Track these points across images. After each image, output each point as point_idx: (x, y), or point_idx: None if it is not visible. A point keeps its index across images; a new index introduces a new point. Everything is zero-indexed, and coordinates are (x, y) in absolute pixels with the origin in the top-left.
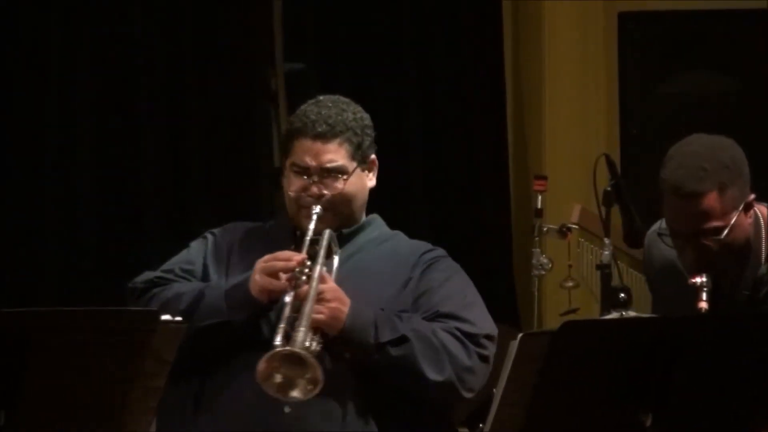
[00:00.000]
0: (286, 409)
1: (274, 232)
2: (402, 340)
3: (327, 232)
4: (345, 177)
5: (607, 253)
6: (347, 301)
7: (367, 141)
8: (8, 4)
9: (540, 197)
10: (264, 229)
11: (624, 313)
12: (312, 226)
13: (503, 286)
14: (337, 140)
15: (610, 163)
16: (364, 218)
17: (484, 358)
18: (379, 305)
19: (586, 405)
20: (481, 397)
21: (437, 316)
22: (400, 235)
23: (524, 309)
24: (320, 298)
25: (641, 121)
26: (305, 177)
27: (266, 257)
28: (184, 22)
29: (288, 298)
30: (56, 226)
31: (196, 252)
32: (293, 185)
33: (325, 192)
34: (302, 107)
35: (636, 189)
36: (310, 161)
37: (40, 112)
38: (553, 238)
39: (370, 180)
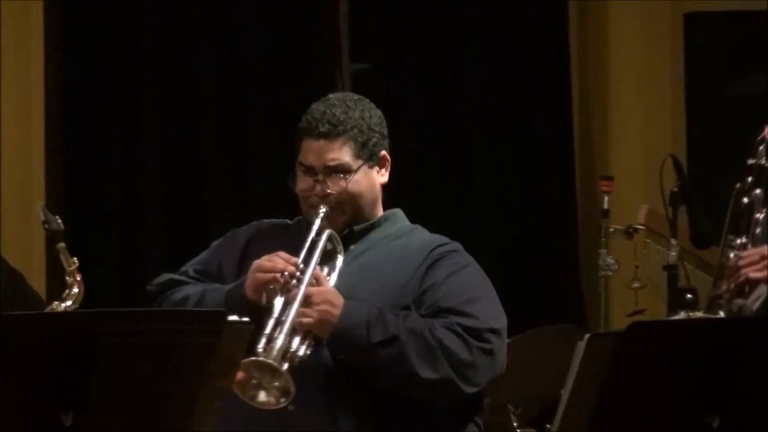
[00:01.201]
0: (290, 407)
1: (294, 229)
2: (393, 339)
3: (326, 233)
4: (349, 176)
5: (673, 253)
6: (339, 302)
7: (375, 138)
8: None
9: (606, 198)
10: (286, 226)
11: (691, 314)
12: (316, 226)
13: (570, 287)
14: (341, 139)
15: (677, 164)
16: (379, 214)
17: (487, 352)
18: (380, 302)
19: (652, 406)
20: (548, 397)
21: (439, 312)
22: (418, 230)
23: (590, 310)
24: (309, 302)
25: (707, 122)
26: (311, 176)
27: (264, 257)
28: (250, 24)
29: (278, 302)
30: (121, 224)
31: (214, 251)
32: (301, 184)
33: (329, 191)
34: (312, 106)
35: (702, 190)
36: (314, 160)
37: (106, 115)
38: (620, 239)
39: (382, 176)
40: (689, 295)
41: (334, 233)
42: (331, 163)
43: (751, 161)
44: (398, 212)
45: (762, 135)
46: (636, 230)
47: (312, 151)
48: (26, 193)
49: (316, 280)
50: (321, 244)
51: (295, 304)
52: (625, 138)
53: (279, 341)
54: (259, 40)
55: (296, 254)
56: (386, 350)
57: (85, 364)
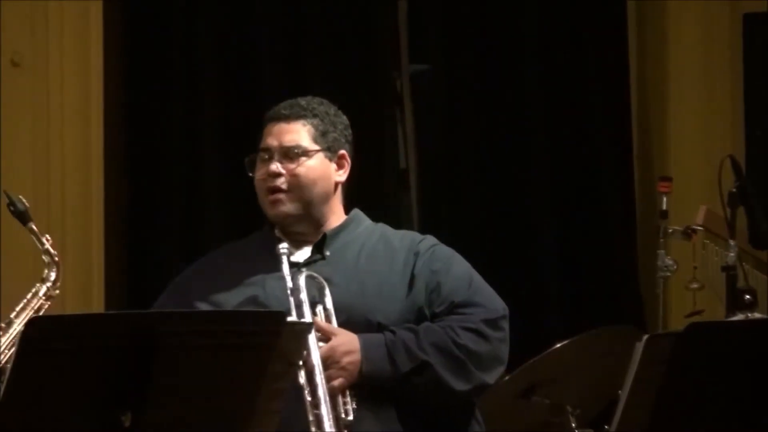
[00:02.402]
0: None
1: (252, 247)
2: (423, 366)
3: (302, 277)
4: (304, 158)
5: (732, 254)
6: (355, 346)
7: (336, 133)
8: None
9: (665, 199)
10: (242, 245)
11: (749, 314)
12: (287, 271)
13: (629, 288)
14: (300, 122)
15: (735, 165)
16: (337, 214)
17: (503, 340)
18: (388, 293)
19: (711, 407)
20: (606, 398)
21: (453, 308)
22: (385, 227)
23: (649, 311)
24: (327, 363)
25: (766, 123)
26: (267, 160)
27: None
28: (308, 24)
29: (301, 377)
30: (183, 225)
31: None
32: (259, 171)
33: (282, 171)
34: None
35: (761, 190)
36: (272, 141)
37: (167, 115)
38: (678, 240)
39: (339, 175)
40: (747, 296)
41: (313, 274)
42: (288, 143)
43: None
44: (359, 212)
45: None
46: (694, 231)
47: (271, 134)
48: (87, 198)
49: (322, 332)
50: (304, 292)
51: (318, 374)
52: (684, 139)
53: (325, 417)
54: (319, 42)
55: (263, 267)
56: (418, 377)
57: (144, 365)
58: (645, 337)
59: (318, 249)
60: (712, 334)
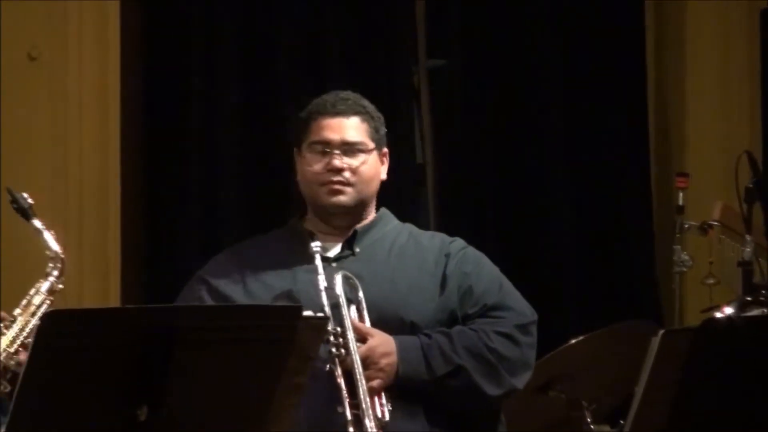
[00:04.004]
0: (339, 410)
1: (282, 241)
2: (458, 370)
3: (338, 278)
4: (365, 155)
5: (748, 250)
6: (392, 347)
7: (383, 130)
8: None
9: (682, 194)
10: (271, 238)
11: (766, 310)
12: (321, 273)
13: (645, 283)
14: (359, 117)
15: (752, 161)
16: (373, 211)
17: (532, 346)
18: (420, 292)
19: (728, 402)
20: (622, 393)
21: (486, 310)
22: (413, 227)
23: (665, 306)
24: (366, 364)
25: None
26: (326, 154)
27: None
28: (327, 19)
29: (339, 378)
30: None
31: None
32: (315, 164)
33: (345, 166)
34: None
35: None
36: (332, 135)
37: (185, 108)
38: (694, 235)
39: (384, 173)
40: (764, 291)
41: (347, 276)
42: (351, 139)
43: None
44: (387, 211)
45: None
46: (711, 226)
47: (329, 128)
48: (105, 192)
49: (359, 333)
50: (342, 294)
51: (358, 374)
52: (701, 135)
53: (365, 417)
54: (337, 37)
55: (294, 260)
56: (453, 381)
57: (161, 359)
58: (661, 332)
59: (348, 245)
60: (729, 329)
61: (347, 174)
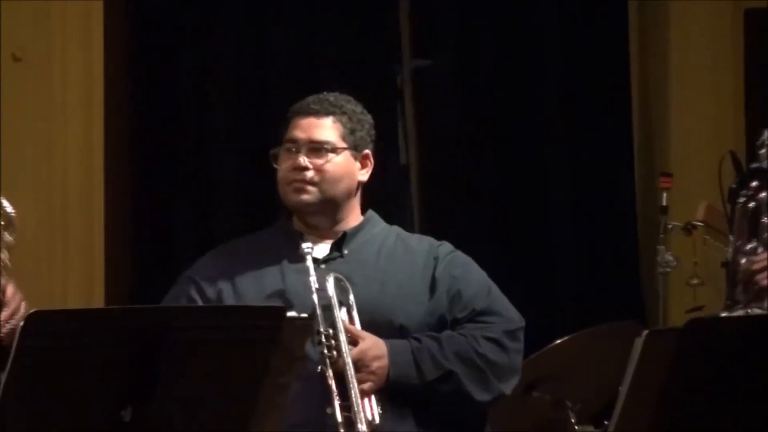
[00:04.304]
0: (329, 410)
1: (271, 239)
2: (448, 375)
3: (330, 280)
4: (332, 155)
5: (732, 250)
6: (383, 351)
7: (363, 132)
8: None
9: (665, 194)
10: (260, 237)
11: (749, 311)
12: (313, 277)
13: (629, 284)
14: (330, 118)
15: (736, 161)
16: (356, 214)
17: (519, 351)
18: (409, 295)
19: (712, 402)
20: (607, 394)
21: (475, 315)
22: (400, 229)
23: (649, 307)
24: (358, 366)
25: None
26: (294, 152)
27: None
28: (315, 19)
29: (330, 380)
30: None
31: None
32: (284, 163)
33: (309, 165)
34: None
35: None
36: (300, 134)
37: (170, 109)
38: (678, 236)
39: (362, 175)
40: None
41: (338, 277)
42: (317, 138)
43: (754, 165)
44: (375, 213)
45: (761, 139)
46: (695, 227)
47: (299, 127)
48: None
49: (351, 335)
50: (334, 297)
51: (350, 377)
52: (685, 134)
53: (357, 420)
54: (324, 36)
55: (282, 259)
56: (443, 386)
57: (146, 360)
58: (645, 332)
59: (337, 247)
60: (713, 329)
61: (310, 173)
